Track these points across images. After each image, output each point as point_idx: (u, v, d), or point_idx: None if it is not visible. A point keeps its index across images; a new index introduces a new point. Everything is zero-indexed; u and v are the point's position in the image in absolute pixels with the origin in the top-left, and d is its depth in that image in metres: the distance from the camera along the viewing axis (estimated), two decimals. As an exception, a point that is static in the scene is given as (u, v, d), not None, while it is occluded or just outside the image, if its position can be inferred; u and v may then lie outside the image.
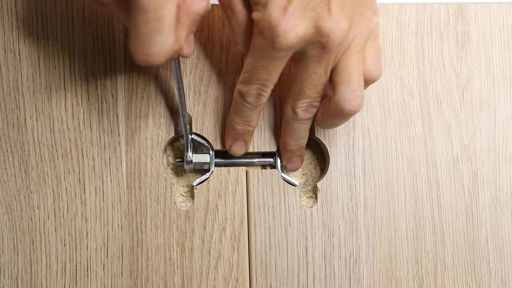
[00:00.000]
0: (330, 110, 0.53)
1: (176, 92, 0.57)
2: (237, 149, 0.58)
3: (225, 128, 0.59)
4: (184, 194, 0.60)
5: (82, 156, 0.58)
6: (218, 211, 0.58)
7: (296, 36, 0.48)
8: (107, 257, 0.58)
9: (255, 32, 0.50)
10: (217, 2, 0.57)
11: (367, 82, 0.53)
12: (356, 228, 0.59)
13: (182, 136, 0.61)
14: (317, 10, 0.48)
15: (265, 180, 0.59)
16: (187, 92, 0.59)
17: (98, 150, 0.58)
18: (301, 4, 0.48)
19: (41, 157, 0.58)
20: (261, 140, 0.59)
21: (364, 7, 0.51)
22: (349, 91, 0.51)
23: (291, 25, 0.48)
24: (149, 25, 0.46)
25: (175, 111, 0.59)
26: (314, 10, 0.48)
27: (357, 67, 0.51)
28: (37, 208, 0.57)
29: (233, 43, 0.53)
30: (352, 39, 0.50)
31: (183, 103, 0.56)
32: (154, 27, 0.47)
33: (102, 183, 0.58)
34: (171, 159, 0.60)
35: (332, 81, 0.52)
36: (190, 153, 0.58)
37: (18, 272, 0.57)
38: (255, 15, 0.49)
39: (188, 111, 0.59)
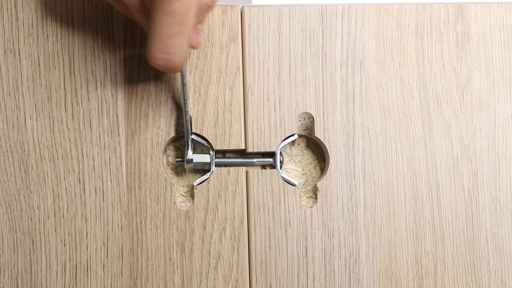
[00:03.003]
0: None
1: (180, 88, 0.57)
2: None
3: (225, 128, 0.59)
4: (184, 194, 0.60)
5: (82, 156, 0.58)
6: (218, 211, 0.58)
7: None
8: (107, 257, 0.58)
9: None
10: (217, 2, 0.57)
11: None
12: (356, 228, 0.59)
13: (182, 136, 0.61)
14: None
15: (265, 180, 0.59)
16: (187, 92, 0.59)
17: (98, 150, 0.58)
18: None
19: (41, 157, 0.58)
20: (261, 140, 0.59)
21: None
22: None
23: None
24: (172, 28, 0.50)
25: (175, 110, 0.59)
26: None
27: None
28: (37, 208, 0.57)
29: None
30: None
31: (186, 99, 0.56)
32: (177, 30, 0.50)
33: (102, 183, 0.58)
34: (171, 159, 0.60)
35: None
36: (190, 152, 0.58)
37: (18, 272, 0.57)
38: None
39: (188, 111, 0.59)
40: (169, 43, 0.50)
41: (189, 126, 0.57)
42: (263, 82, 0.60)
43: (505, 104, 0.61)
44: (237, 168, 0.59)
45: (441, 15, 0.61)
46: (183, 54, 0.51)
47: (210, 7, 0.53)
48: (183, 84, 0.56)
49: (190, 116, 0.59)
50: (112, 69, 0.58)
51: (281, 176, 0.59)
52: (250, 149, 0.59)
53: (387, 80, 0.60)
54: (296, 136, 0.60)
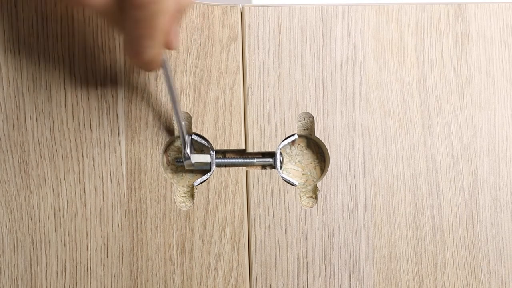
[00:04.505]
0: None
1: (168, 91, 0.57)
2: None
3: (225, 128, 0.59)
4: (184, 194, 0.60)
5: (82, 156, 0.58)
6: (218, 211, 0.58)
7: None
8: (107, 257, 0.58)
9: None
10: (217, 2, 0.57)
11: None
12: (356, 228, 0.59)
13: (182, 136, 0.61)
14: None
15: (265, 180, 0.59)
16: (187, 92, 0.59)
17: (98, 150, 0.58)
18: None
19: (41, 157, 0.58)
20: (261, 140, 0.59)
21: None
22: None
23: None
24: (141, 32, 0.49)
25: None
26: None
27: None
28: (37, 208, 0.57)
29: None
30: None
31: (176, 102, 0.56)
32: (147, 33, 0.49)
33: (102, 183, 0.58)
34: (171, 159, 0.60)
35: None
36: (187, 150, 0.58)
37: (18, 272, 0.57)
38: None
39: (188, 111, 0.59)
40: (139, 44, 0.50)
41: (183, 126, 0.57)
42: (263, 82, 0.60)
43: (505, 104, 0.61)
44: (237, 168, 0.59)
45: (441, 15, 0.62)
46: (155, 55, 0.51)
47: (187, 8, 0.52)
48: (169, 85, 0.56)
49: (189, 116, 0.59)
50: (112, 69, 0.58)
51: (281, 176, 0.59)
52: (250, 149, 0.59)
53: (387, 80, 0.61)
54: (296, 136, 0.60)
